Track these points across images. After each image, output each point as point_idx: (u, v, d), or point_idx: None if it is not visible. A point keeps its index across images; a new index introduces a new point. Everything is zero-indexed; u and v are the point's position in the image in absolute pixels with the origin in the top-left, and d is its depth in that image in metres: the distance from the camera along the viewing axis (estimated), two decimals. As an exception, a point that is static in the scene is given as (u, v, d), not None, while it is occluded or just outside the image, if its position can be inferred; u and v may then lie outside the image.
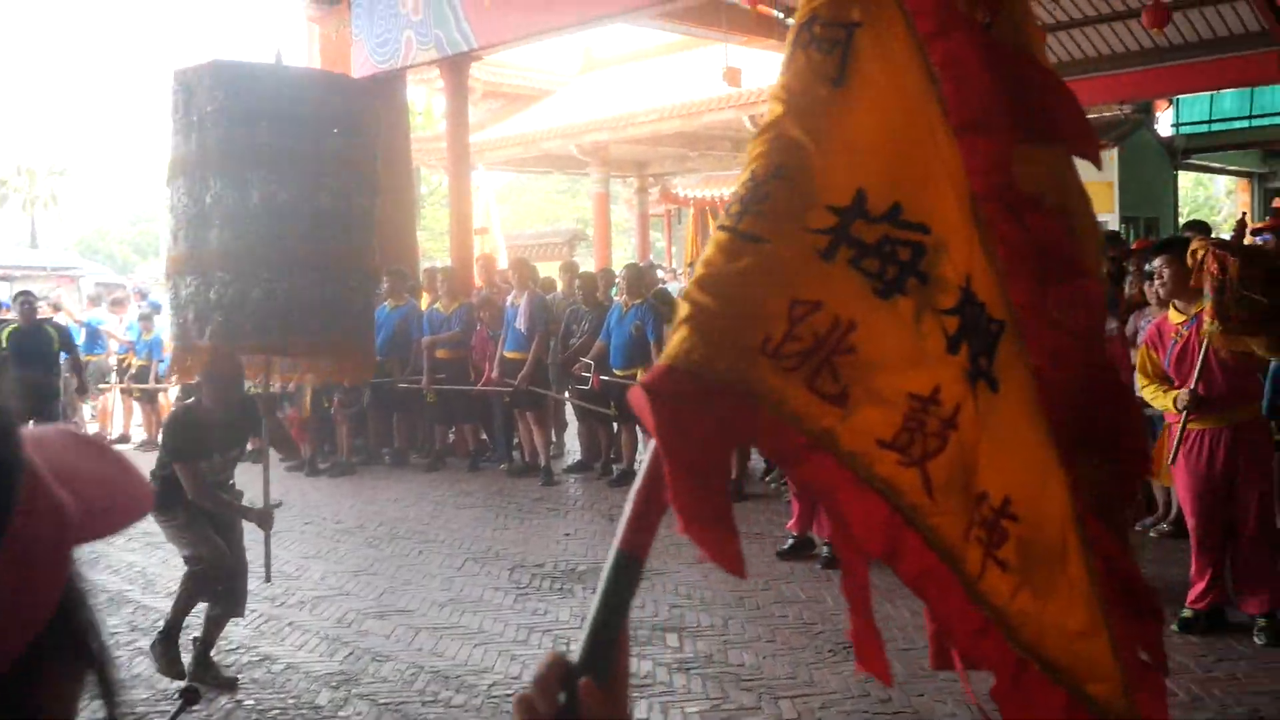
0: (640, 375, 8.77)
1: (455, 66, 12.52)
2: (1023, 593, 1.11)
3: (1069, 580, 1.14)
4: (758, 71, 13.57)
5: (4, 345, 10.10)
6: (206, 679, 4.87)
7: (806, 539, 6.64)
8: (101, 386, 13.31)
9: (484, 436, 10.71)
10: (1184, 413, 4.95)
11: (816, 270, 1.04)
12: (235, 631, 5.70)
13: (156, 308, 14.16)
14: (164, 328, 13.62)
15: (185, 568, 5.07)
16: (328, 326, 5.02)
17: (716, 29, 12.68)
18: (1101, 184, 18.99)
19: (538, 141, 20.62)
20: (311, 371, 5.67)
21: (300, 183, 4.87)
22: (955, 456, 1.06)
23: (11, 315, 11.52)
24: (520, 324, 9.43)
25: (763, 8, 12.97)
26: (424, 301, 10.90)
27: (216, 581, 4.90)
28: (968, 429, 1.08)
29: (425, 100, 25.33)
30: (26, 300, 10.96)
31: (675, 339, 0.99)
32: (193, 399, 5.21)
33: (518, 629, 5.58)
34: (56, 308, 14.49)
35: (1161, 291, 5.34)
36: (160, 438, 5.06)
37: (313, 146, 4.90)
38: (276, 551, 7.34)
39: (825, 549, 6.47)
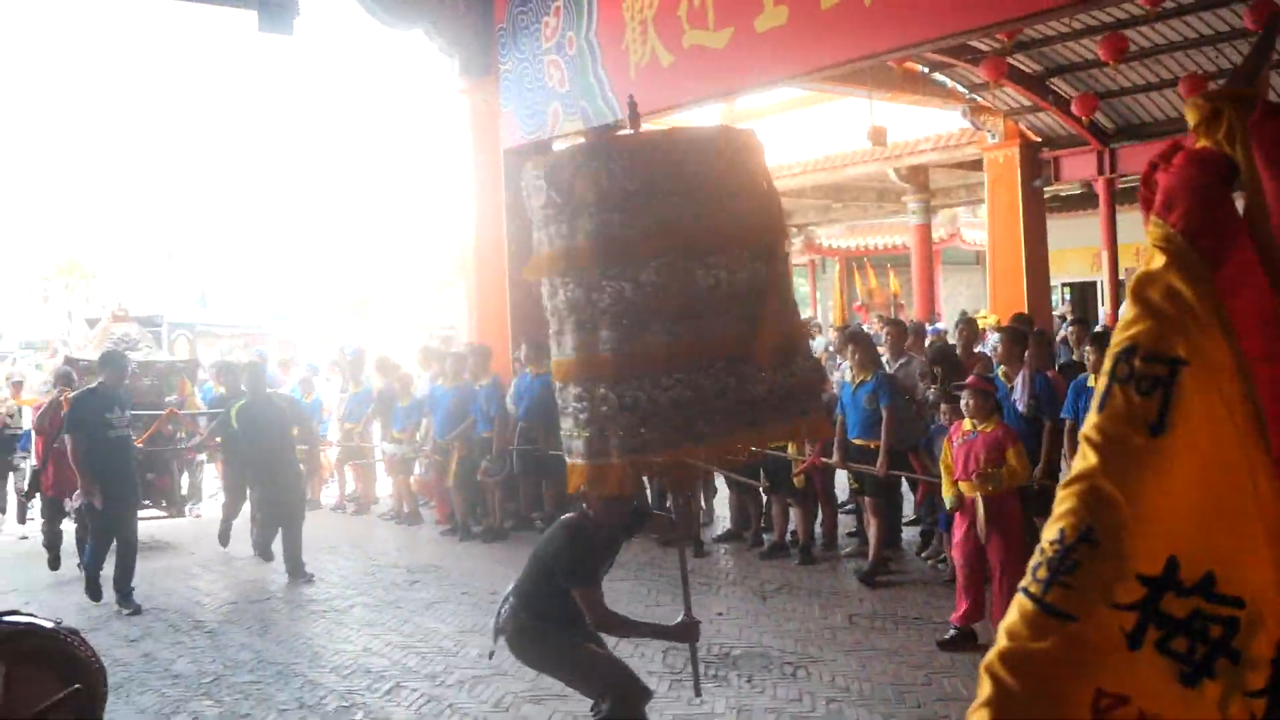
0: (790, 448, 8.74)
1: (601, 135, 12.75)
2: None
3: None
4: (902, 126, 13.45)
5: (234, 424, 9.59)
6: None
7: (969, 631, 6.46)
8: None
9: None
10: None
11: (1123, 657, 1.00)
12: (398, 714, 5.86)
13: (315, 370, 14.70)
14: (322, 389, 14.15)
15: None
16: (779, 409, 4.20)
17: (861, 86, 12.61)
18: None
19: (681, 195, 20.80)
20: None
21: (715, 261, 4.08)
22: None
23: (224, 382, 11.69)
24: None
25: (908, 65, 12.87)
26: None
27: (639, 701, 4.58)
28: None
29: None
30: (257, 372, 10.06)
31: (975, 718, 0.98)
32: (574, 516, 4.77)
33: None
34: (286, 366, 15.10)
35: None
36: (555, 557, 4.61)
37: (723, 218, 4.09)
38: (433, 625, 7.58)
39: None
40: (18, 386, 13.48)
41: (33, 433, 10.45)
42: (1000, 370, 7.56)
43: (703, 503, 10.38)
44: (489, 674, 6.46)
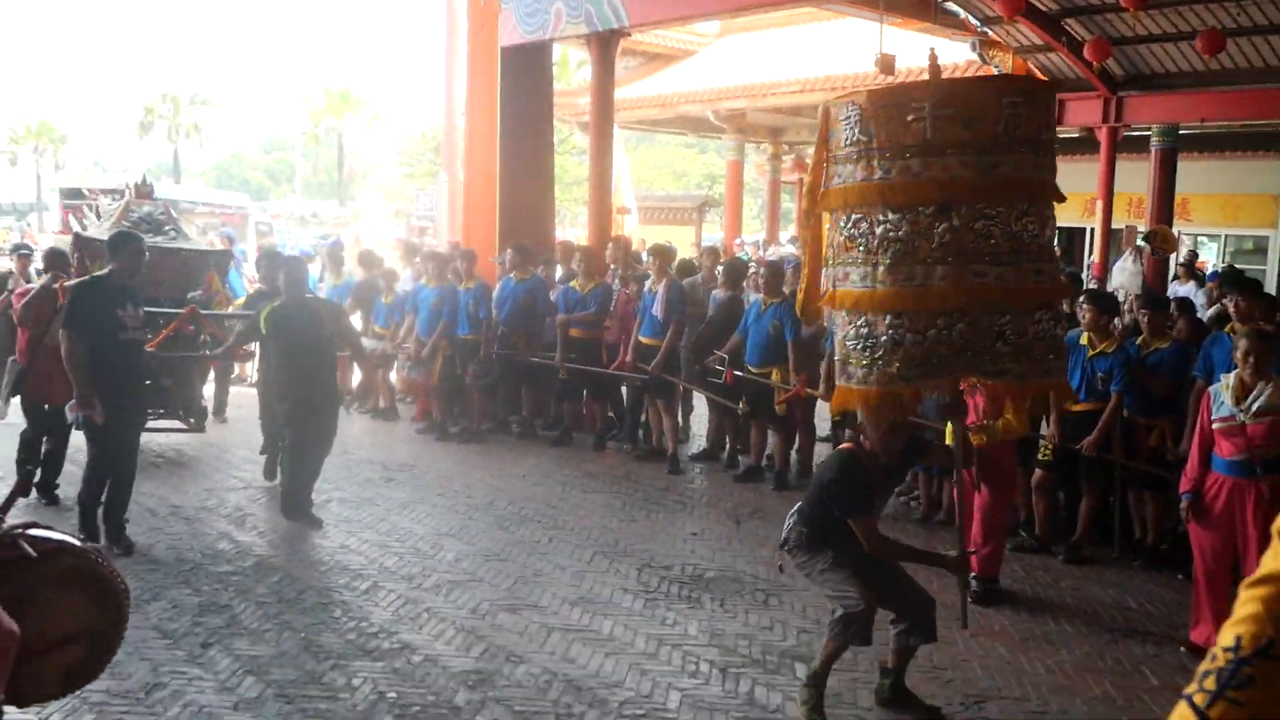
0: (775, 375, 8.80)
1: (604, 40, 12.52)
2: None
3: None
4: (907, 56, 13.27)
5: (263, 329, 7.88)
6: (909, 708, 4.85)
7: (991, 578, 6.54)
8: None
9: (611, 414, 10.85)
10: None
11: None
12: (376, 614, 5.94)
13: (309, 255, 14.47)
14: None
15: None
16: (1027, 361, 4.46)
17: (873, 10, 12.41)
18: (1265, 196, 18.15)
19: (675, 105, 20.57)
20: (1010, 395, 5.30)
21: (1000, 212, 4.32)
22: None
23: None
24: (657, 310, 9.49)
25: (921, -9, 12.66)
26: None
27: (867, 623, 4.61)
28: None
29: (559, 52, 25.37)
30: (297, 268, 8.20)
31: None
32: (848, 446, 4.86)
33: (647, 640, 5.68)
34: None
35: None
36: (828, 486, 4.72)
37: (1008, 170, 4.31)
38: (409, 525, 7.65)
39: (974, 582, 6.37)
40: (25, 259, 11.33)
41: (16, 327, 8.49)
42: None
43: (680, 419, 10.44)
44: (465, 579, 6.55)
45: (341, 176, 59.67)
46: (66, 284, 7.78)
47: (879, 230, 4.38)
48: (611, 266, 11.17)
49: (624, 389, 10.47)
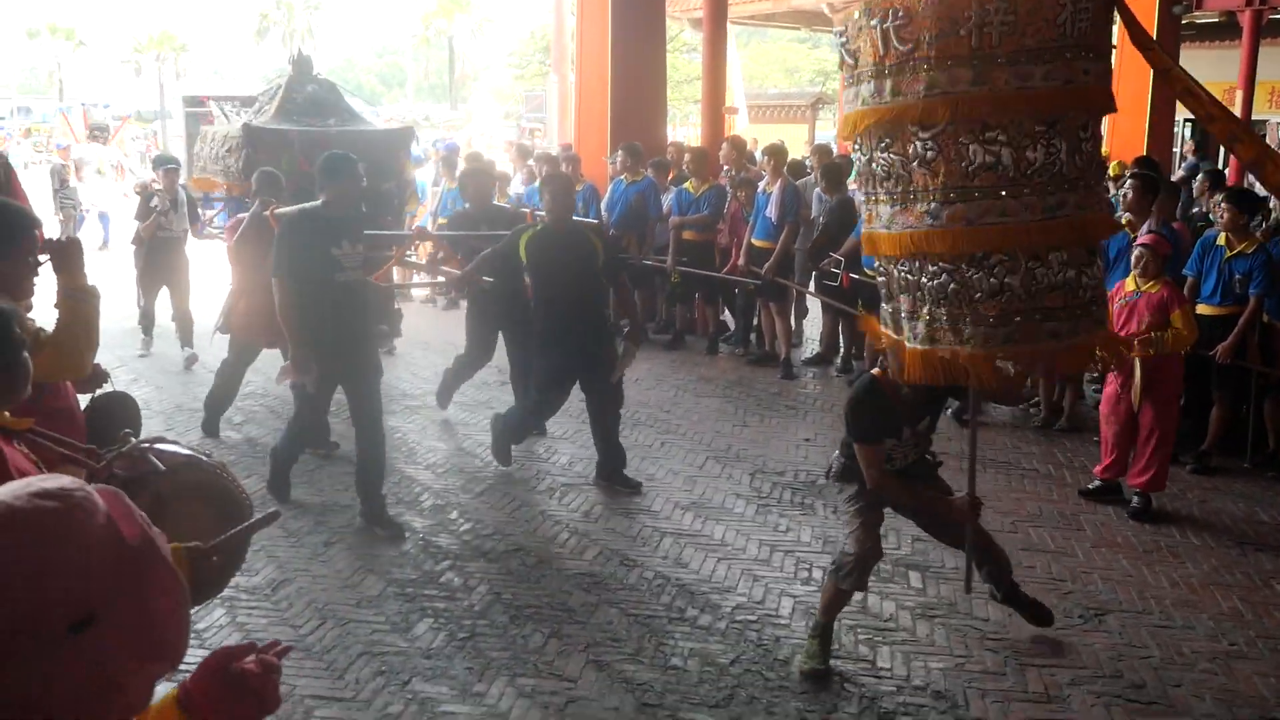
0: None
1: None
2: None
3: None
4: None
5: (523, 257, 6.43)
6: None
7: (1114, 484, 6.41)
8: None
9: (724, 318, 10.78)
10: None
11: None
12: (491, 516, 6.06)
13: (420, 160, 14.34)
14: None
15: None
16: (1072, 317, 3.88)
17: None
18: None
19: (788, -1, 19.95)
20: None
21: (994, 137, 3.67)
22: None
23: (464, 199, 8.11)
24: (771, 213, 9.31)
25: None
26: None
27: (863, 570, 4.39)
28: None
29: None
30: (563, 189, 6.64)
31: None
32: (874, 371, 4.42)
33: (759, 546, 5.69)
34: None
35: None
36: (845, 409, 4.49)
37: (1012, 82, 3.60)
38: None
39: (1135, 499, 6.23)
40: (173, 174, 9.79)
41: (230, 264, 7.42)
42: (1124, 218, 7.25)
43: (793, 323, 10.31)
44: (578, 483, 6.63)
45: (452, 79, 59.74)
46: (278, 211, 6.72)
47: (957, 157, 3.71)
48: (725, 168, 10.97)
49: (737, 292, 10.36)
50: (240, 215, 7.60)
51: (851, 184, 9.83)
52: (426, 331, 11.03)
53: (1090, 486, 6.47)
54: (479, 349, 7.81)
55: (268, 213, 6.92)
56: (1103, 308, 4.05)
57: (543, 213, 6.82)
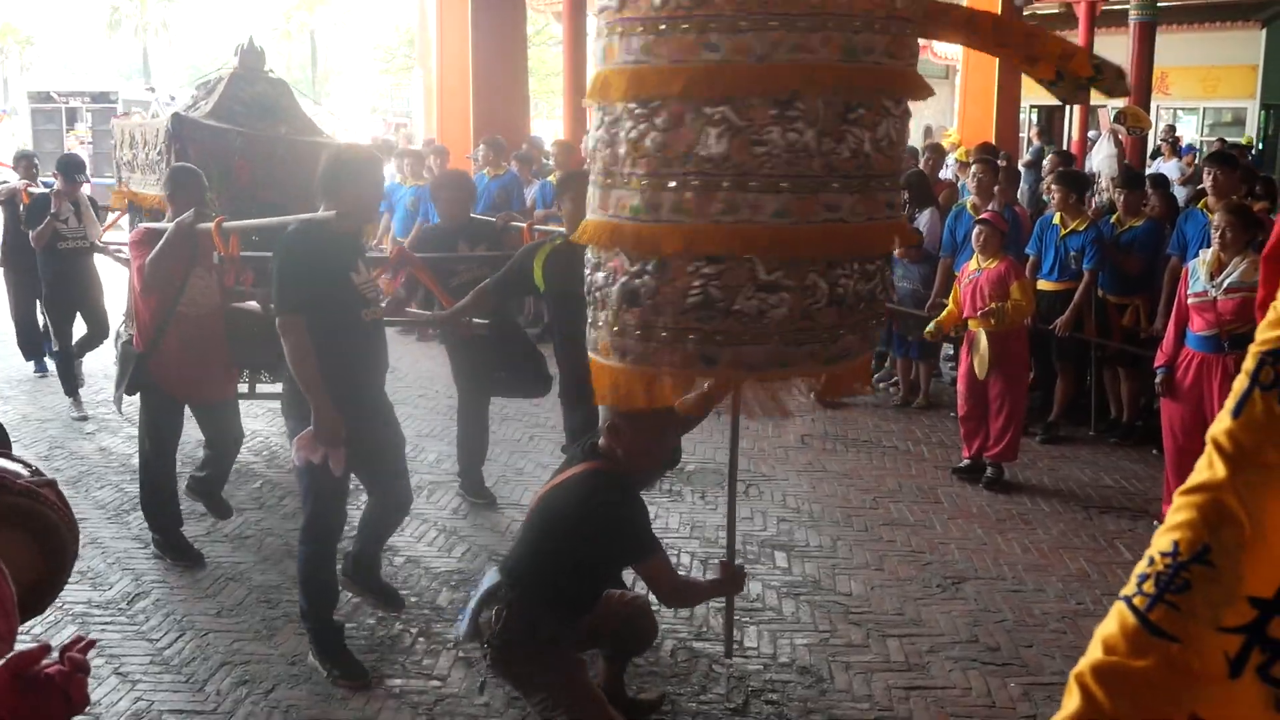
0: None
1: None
2: None
3: None
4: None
5: (539, 283, 5.01)
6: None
7: (980, 464, 6.57)
8: None
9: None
10: None
11: (1223, 686, 0.97)
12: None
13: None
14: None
15: None
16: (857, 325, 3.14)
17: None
18: (1243, 67, 17.89)
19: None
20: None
21: (815, 115, 2.79)
22: None
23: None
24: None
25: None
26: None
27: None
28: None
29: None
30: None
31: None
32: (600, 469, 3.61)
33: (628, 534, 5.71)
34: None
35: None
36: (613, 534, 3.70)
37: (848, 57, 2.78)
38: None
39: (989, 470, 6.45)
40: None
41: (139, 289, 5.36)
42: (969, 202, 7.50)
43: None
44: (447, 480, 6.57)
45: (315, 74, 58.42)
46: (226, 224, 5.18)
47: (697, 136, 2.79)
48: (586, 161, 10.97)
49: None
50: (148, 225, 5.70)
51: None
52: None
53: (960, 465, 6.68)
54: (472, 396, 6.43)
55: (212, 224, 5.16)
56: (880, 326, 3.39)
57: (544, 227, 6.21)
